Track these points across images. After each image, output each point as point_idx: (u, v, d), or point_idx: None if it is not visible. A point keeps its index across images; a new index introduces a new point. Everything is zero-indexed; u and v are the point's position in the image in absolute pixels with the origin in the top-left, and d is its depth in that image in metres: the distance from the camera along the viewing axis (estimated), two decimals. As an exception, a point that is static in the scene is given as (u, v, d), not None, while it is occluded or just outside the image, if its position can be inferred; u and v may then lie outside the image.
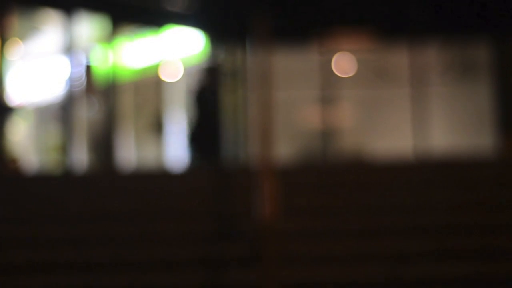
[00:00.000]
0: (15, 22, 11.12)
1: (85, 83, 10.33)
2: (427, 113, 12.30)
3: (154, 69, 12.89)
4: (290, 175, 6.40)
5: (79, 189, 6.44)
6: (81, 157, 12.16)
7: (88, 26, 11.97)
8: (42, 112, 13.48)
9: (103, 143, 11.07)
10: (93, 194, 6.36)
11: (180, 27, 11.89)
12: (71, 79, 10.38)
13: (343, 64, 13.02)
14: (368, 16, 12.40)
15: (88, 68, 10.52)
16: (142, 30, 12.53)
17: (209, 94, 8.75)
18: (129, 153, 13.09)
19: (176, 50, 11.87)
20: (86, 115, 13.14)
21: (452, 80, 14.71)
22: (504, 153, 8.24)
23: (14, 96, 11.26)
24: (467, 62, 13.53)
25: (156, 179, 6.66)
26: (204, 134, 8.68)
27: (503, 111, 12.19)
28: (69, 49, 10.38)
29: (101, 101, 10.75)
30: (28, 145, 12.95)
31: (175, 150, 12.04)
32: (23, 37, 11.73)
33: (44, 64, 12.95)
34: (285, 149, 11.42)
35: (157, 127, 11.30)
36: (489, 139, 12.22)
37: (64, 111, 10.41)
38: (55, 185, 6.61)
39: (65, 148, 10.41)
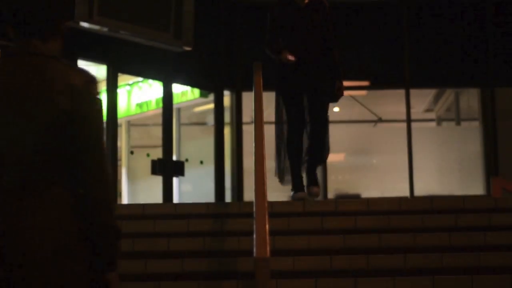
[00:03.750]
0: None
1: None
2: (421, 156, 12.41)
3: (151, 108, 12.99)
4: (283, 215, 6.55)
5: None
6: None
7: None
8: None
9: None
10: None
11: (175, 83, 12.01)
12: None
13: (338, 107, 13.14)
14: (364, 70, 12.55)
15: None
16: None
17: None
18: (129, 191, 13.14)
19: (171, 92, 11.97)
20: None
21: (445, 126, 14.91)
22: (492, 197, 8.38)
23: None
24: (461, 109, 13.73)
25: (159, 217, 6.69)
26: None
27: (492, 155, 12.34)
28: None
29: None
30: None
31: (178, 187, 12.03)
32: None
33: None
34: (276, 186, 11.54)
35: (161, 165, 11.29)
36: (479, 183, 12.35)
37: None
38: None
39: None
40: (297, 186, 7.20)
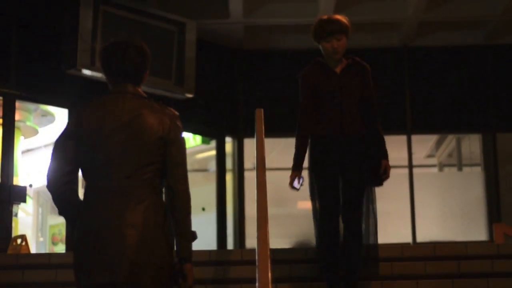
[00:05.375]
0: (23, 112, 11.23)
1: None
2: (423, 202, 12.38)
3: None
4: (285, 262, 6.52)
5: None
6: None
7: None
8: (47, 195, 13.54)
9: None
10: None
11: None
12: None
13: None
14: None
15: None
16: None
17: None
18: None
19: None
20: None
21: (447, 171, 14.89)
22: (495, 243, 8.35)
23: (23, 178, 11.35)
24: (462, 155, 13.72)
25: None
26: None
27: (494, 201, 12.32)
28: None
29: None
30: (33, 226, 12.96)
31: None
32: (31, 125, 11.82)
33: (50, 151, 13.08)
34: (278, 233, 11.46)
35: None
36: (481, 229, 12.31)
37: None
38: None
39: (68, 231, 10.42)
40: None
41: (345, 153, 5.83)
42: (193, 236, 4.07)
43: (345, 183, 5.84)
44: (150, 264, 3.85)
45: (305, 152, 5.93)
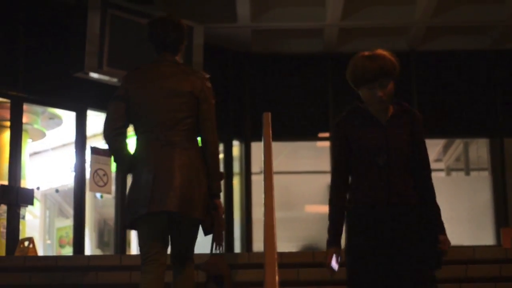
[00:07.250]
0: (31, 115, 11.24)
1: (95, 173, 10.40)
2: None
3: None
4: (292, 266, 6.50)
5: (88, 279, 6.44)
6: (91, 244, 12.15)
7: (98, 122, 12.09)
8: (55, 198, 13.56)
9: (116, 234, 11.06)
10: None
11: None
12: (82, 168, 10.46)
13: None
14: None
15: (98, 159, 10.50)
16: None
17: None
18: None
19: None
20: (97, 202, 13.24)
21: (454, 176, 14.85)
22: (503, 248, 8.33)
23: (31, 181, 11.36)
24: (470, 159, 13.68)
25: (166, 269, 6.61)
26: None
27: (501, 205, 12.29)
28: (81, 141, 10.50)
29: (111, 189, 10.76)
30: (40, 229, 12.98)
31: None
32: (39, 127, 11.83)
33: (59, 154, 13.10)
34: (285, 237, 11.43)
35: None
36: (489, 233, 12.28)
37: (75, 197, 10.47)
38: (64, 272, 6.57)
39: (75, 234, 10.43)
40: None
41: (394, 230, 4.35)
42: (221, 176, 4.98)
43: (400, 271, 4.31)
44: (195, 200, 4.77)
45: (343, 224, 4.51)
